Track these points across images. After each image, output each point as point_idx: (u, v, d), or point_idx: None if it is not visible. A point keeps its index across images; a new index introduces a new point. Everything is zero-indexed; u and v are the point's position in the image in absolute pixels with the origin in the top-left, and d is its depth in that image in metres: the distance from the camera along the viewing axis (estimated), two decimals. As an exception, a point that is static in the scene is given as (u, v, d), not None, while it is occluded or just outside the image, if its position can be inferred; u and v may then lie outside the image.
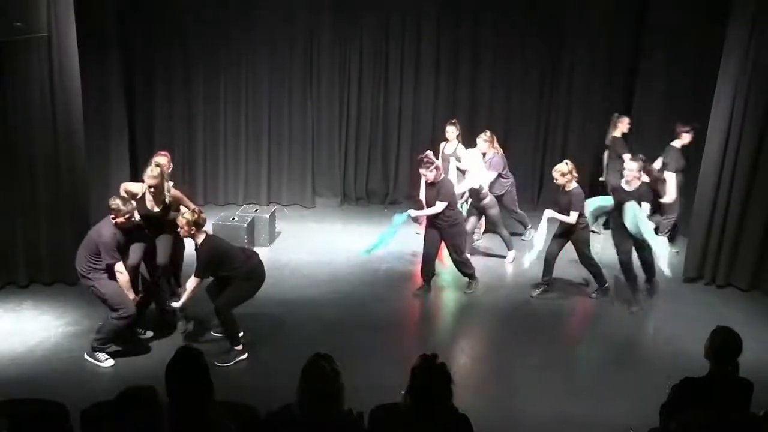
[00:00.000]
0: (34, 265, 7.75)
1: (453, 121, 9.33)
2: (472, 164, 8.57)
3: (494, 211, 8.63)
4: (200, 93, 10.50)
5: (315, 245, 9.21)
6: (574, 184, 7.56)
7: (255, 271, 6.46)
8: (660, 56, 9.48)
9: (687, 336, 6.62)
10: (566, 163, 7.67)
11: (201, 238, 6.22)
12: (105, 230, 6.13)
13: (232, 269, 6.33)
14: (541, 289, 7.94)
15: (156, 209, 6.67)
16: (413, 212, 7.88)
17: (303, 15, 10.36)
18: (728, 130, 7.96)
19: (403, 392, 3.65)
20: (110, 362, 6.26)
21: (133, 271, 6.51)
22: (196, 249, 6.29)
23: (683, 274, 8.48)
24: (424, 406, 3.56)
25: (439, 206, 7.43)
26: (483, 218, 8.91)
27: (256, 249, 9.02)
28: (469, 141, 9.17)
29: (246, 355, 6.47)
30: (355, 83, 10.74)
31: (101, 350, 6.27)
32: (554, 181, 7.68)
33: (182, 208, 6.62)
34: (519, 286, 8.24)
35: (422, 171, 7.49)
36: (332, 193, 10.97)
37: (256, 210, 9.53)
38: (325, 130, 10.86)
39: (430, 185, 7.55)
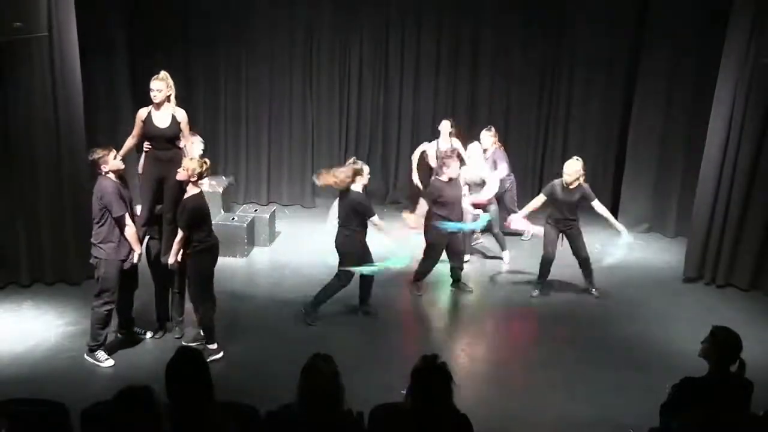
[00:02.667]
0: (35, 265, 7.75)
1: (449, 118, 9.30)
2: (472, 158, 8.58)
3: (492, 207, 8.62)
4: (200, 93, 10.49)
5: (315, 245, 9.19)
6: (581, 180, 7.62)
7: (216, 246, 6.43)
8: (660, 56, 9.47)
9: (687, 336, 6.61)
10: (578, 159, 7.68)
11: (194, 191, 6.15)
12: (103, 185, 6.04)
13: (203, 236, 6.25)
14: (538, 290, 7.95)
15: (164, 126, 6.38)
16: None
17: (303, 15, 10.35)
18: (728, 130, 7.97)
19: (403, 392, 3.65)
20: (110, 362, 6.27)
21: (145, 224, 6.51)
22: (181, 199, 6.24)
23: (683, 274, 8.48)
24: (425, 406, 3.56)
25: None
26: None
27: (256, 249, 9.09)
28: (468, 140, 9.16)
29: (221, 354, 6.44)
30: (355, 83, 10.73)
31: (97, 348, 6.27)
32: (566, 176, 7.57)
33: (187, 147, 6.50)
34: (518, 286, 8.25)
35: (448, 163, 7.53)
36: (332, 193, 10.91)
37: (256, 210, 9.53)
38: (325, 130, 10.85)
39: (450, 182, 7.56)
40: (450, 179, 7.53)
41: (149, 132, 6.40)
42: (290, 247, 9.19)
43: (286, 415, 3.61)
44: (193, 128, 10.39)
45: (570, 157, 11.11)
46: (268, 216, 9.27)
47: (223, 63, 10.39)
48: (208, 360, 6.14)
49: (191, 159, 6.20)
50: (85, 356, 6.29)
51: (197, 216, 6.18)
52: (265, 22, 10.31)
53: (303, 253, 8.95)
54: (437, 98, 10.84)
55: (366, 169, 7.11)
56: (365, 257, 7.11)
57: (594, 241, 9.70)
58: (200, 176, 6.12)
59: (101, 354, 6.27)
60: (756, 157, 7.90)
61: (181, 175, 6.13)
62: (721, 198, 8.12)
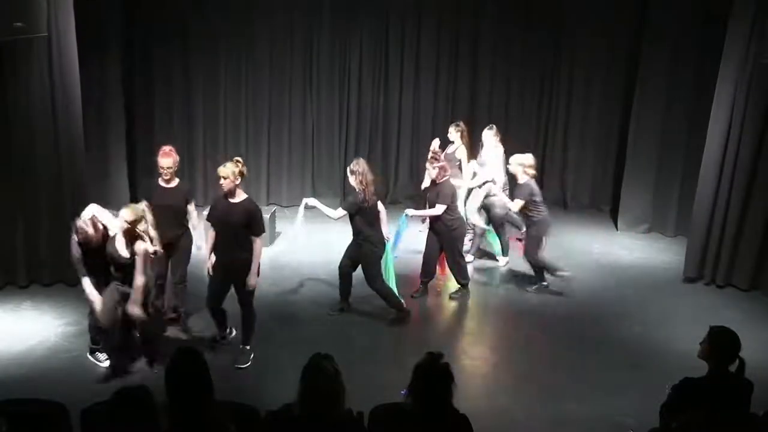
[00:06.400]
0: (33, 266, 7.74)
1: (458, 123, 9.25)
2: (488, 157, 8.54)
3: (499, 211, 8.59)
4: (200, 93, 10.49)
5: (315, 245, 9.20)
6: (526, 177, 7.73)
7: None
8: (660, 56, 9.48)
9: (687, 336, 6.59)
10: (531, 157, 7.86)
11: (243, 195, 6.11)
12: (72, 243, 5.89)
13: None
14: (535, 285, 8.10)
15: (121, 255, 5.82)
16: (411, 211, 7.83)
17: (303, 15, 10.36)
18: (728, 130, 7.97)
19: (402, 392, 3.65)
20: (109, 362, 6.26)
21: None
22: (215, 204, 6.18)
23: (683, 274, 8.48)
24: (425, 406, 3.56)
25: (439, 209, 7.39)
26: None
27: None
28: (469, 141, 9.16)
29: (253, 354, 6.46)
30: (355, 83, 10.73)
31: (96, 349, 6.28)
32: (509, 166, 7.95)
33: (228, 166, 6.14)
34: (517, 287, 8.25)
35: (427, 166, 7.52)
36: (332, 193, 10.96)
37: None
38: (325, 130, 10.86)
39: (432, 184, 7.54)
40: (432, 181, 7.54)
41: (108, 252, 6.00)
42: (290, 247, 9.18)
43: (286, 415, 3.61)
44: (191, 130, 10.54)
45: (570, 157, 11.17)
46: (268, 216, 9.26)
47: (223, 63, 10.38)
48: (251, 361, 6.27)
49: (224, 166, 6.08)
50: (87, 355, 6.31)
51: (262, 216, 6.19)
52: (264, 22, 10.30)
53: (303, 253, 8.95)
54: (437, 98, 10.85)
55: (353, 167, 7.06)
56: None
57: (592, 242, 9.74)
58: (242, 176, 6.08)
59: (101, 354, 6.28)
60: (756, 157, 7.90)
61: (225, 184, 6.05)
62: (721, 198, 8.12)
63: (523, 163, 7.77)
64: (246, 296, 6.27)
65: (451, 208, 7.46)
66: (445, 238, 7.54)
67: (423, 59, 10.67)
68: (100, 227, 5.90)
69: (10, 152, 7.45)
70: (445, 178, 7.45)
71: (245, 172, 6.10)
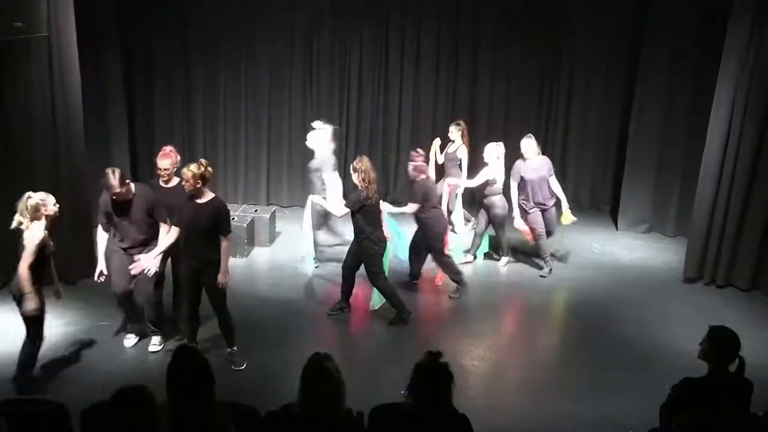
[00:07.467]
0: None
1: (459, 122, 9.26)
2: (490, 156, 8.55)
3: (499, 211, 8.56)
4: (200, 93, 10.50)
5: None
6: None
7: None
8: (660, 56, 9.47)
9: (687, 336, 6.59)
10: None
11: (210, 195, 6.04)
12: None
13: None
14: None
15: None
16: (386, 207, 7.52)
17: (303, 15, 10.36)
18: (728, 130, 7.97)
19: (402, 392, 3.65)
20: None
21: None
22: (183, 205, 6.09)
23: (683, 274, 8.48)
24: (425, 405, 3.56)
25: (410, 207, 7.45)
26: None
27: (256, 249, 9.09)
28: (470, 140, 9.16)
29: (243, 353, 6.45)
30: (355, 83, 10.73)
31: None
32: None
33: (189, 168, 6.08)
34: (517, 288, 8.25)
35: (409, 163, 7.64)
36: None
37: (256, 210, 9.53)
38: (325, 131, 10.85)
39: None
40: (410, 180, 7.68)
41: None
42: (290, 247, 9.18)
43: (286, 415, 3.61)
44: (192, 130, 10.54)
45: (570, 157, 11.17)
46: (268, 216, 9.28)
47: (223, 63, 10.39)
48: (242, 366, 6.26)
49: (188, 168, 5.99)
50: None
51: (229, 216, 6.15)
52: (264, 22, 10.31)
53: (303, 253, 8.94)
54: (437, 98, 10.84)
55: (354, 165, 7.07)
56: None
57: (592, 242, 9.74)
58: (204, 179, 5.96)
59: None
60: (756, 157, 7.90)
61: (187, 186, 5.99)
62: (721, 198, 8.12)
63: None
64: (218, 299, 6.21)
65: (426, 207, 7.50)
66: (425, 235, 7.66)
67: (423, 59, 10.66)
68: (127, 183, 6.18)
69: (9, 152, 7.45)
70: (420, 178, 7.53)
71: (208, 175, 5.99)
